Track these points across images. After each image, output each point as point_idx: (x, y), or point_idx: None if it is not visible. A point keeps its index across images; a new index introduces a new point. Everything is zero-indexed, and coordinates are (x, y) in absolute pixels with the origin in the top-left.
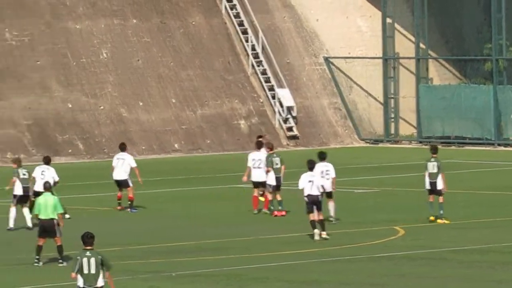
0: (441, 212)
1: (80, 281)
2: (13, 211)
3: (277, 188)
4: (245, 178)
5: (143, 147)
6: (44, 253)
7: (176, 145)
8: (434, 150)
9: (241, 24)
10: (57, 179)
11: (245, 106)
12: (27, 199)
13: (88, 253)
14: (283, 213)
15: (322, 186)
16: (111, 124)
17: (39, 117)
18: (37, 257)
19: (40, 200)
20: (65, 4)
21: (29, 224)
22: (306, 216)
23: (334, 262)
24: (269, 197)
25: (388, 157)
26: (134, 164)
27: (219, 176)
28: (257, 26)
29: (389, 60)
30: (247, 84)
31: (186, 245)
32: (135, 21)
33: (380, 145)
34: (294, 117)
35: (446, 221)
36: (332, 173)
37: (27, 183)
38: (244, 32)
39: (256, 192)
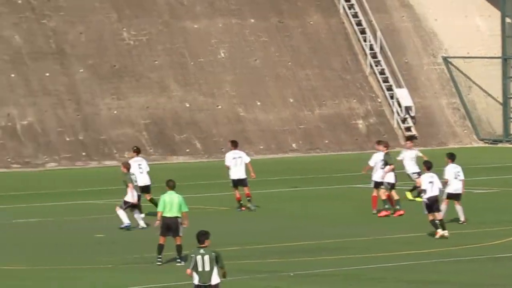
0: None
1: (196, 279)
2: (121, 211)
3: (392, 187)
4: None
5: (261, 147)
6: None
7: (293, 145)
8: None
9: (359, 23)
10: (148, 169)
11: (363, 106)
12: (137, 206)
13: (202, 251)
14: (401, 212)
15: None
16: (229, 124)
17: (157, 117)
18: (159, 256)
19: (165, 198)
20: (183, 3)
21: (143, 224)
22: (426, 216)
23: (455, 263)
24: (396, 196)
25: (508, 157)
26: (248, 159)
27: (337, 176)
28: (375, 25)
29: (509, 59)
30: (365, 84)
31: (304, 245)
32: (253, 20)
33: (499, 145)
34: (412, 117)
35: None
36: (462, 175)
37: (139, 190)
38: (362, 31)
39: (375, 192)
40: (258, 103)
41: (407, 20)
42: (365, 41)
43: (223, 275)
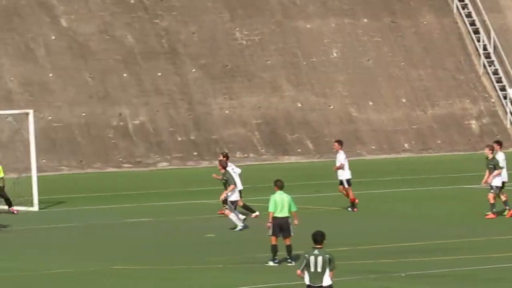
0: None
1: (306, 279)
2: (232, 215)
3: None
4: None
5: (373, 147)
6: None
7: (406, 145)
8: None
9: (472, 23)
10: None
11: (476, 106)
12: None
13: (316, 252)
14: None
15: None
16: (341, 124)
17: (269, 117)
18: (275, 257)
19: (276, 198)
20: (295, 3)
21: (241, 223)
22: None
23: None
24: (503, 198)
25: None
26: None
27: (450, 177)
28: (489, 25)
29: None
30: (478, 84)
31: (417, 246)
32: (365, 20)
33: None
34: None
35: None
36: None
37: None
38: (476, 31)
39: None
40: (371, 103)
41: None
42: (478, 41)
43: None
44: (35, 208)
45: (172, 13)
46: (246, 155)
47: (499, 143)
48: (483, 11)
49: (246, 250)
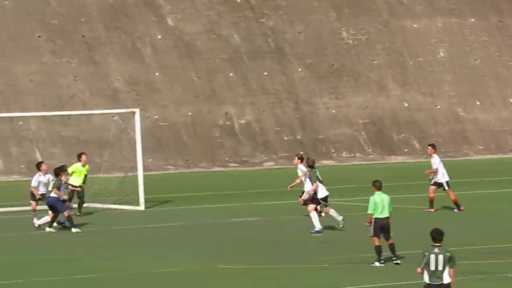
0: None
1: (426, 277)
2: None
3: None
4: None
5: (480, 147)
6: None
7: None
8: None
9: None
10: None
11: None
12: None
13: (436, 250)
14: None
15: None
16: (448, 124)
17: (375, 116)
18: (381, 257)
19: (375, 199)
20: (402, 3)
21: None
22: None
23: None
24: None
25: None
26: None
27: None
28: None
29: None
30: None
31: None
32: (473, 20)
33: None
34: None
35: None
36: None
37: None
38: None
39: None
40: (478, 103)
41: None
42: None
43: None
44: (141, 207)
45: (279, 12)
46: (352, 155)
47: None
48: None
49: (351, 250)
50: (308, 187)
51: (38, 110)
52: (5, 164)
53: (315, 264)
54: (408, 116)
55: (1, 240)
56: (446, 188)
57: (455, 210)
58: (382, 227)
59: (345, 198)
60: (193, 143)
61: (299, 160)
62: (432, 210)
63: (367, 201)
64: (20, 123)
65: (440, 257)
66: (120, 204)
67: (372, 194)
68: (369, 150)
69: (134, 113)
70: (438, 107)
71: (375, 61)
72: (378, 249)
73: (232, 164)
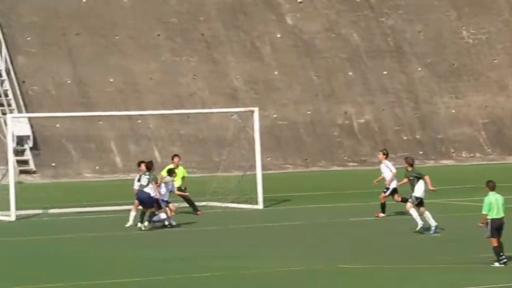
0: None
1: None
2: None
3: None
4: None
5: None
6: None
7: None
8: None
9: None
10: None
11: None
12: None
13: None
14: None
15: None
16: None
17: (495, 116)
18: (500, 258)
19: (490, 199)
20: None
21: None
22: None
23: None
24: None
25: None
26: None
27: None
28: None
29: None
30: None
31: None
32: None
33: None
34: None
35: None
36: None
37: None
38: None
39: None
40: None
41: None
42: None
43: None
44: (260, 206)
45: (398, 11)
46: (472, 155)
47: None
48: None
49: (469, 250)
50: (419, 189)
51: (157, 109)
52: (124, 162)
53: (434, 264)
54: None
55: (119, 238)
56: None
57: None
58: (498, 227)
59: (463, 198)
60: (312, 142)
61: (384, 156)
62: None
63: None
64: (139, 121)
65: None
66: (238, 203)
67: (486, 194)
68: (489, 150)
69: (253, 112)
70: None
71: (495, 61)
72: (496, 250)
73: (351, 164)
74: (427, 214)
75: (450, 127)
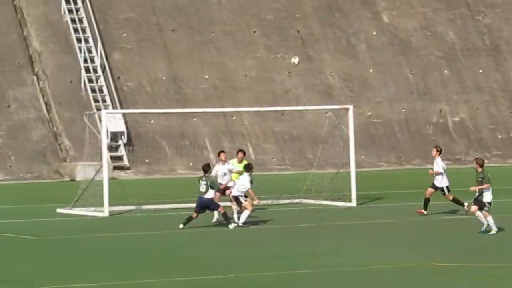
0: None
1: None
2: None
3: None
4: None
5: None
6: None
7: None
8: None
9: None
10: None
11: None
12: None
13: None
14: None
15: None
16: None
17: None
18: None
19: None
20: None
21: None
22: None
23: None
24: None
25: None
26: None
27: None
28: None
29: None
30: None
31: None
32: None
33: None
34: None
35: None
36: None
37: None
38: None
39: None
40: None
41: None
42: None
43: None
44: (353, 203)
45: (495, 10)
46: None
47: None
48: None
49: None
50: (488, 195)
51: (252, 106)
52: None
53: None
54: None
55: (211, 235)
56: None
57: None
58: None
59: None
60: (406, 140)
61: (438, 153)
62: None
63: None
64: (234, 118)
65: None
66: (332, 200)
67: None
68: None
69: (347, 109)
70: None
71: None
72: None
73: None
74: (480, 214)
75: None
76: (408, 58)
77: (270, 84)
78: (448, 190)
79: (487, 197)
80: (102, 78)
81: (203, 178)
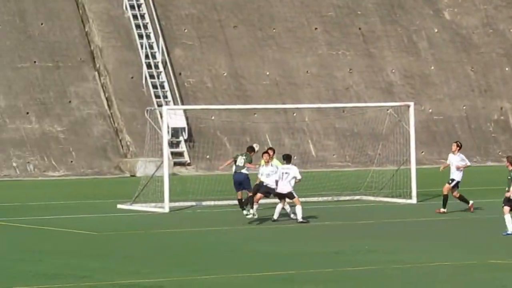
0: None
1: None
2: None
3: None
4: None
5: None
6: None
7: None
8: None
9: None
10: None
11: None
12: None
13: None
14: None
15: None
16: None
17: None
18: None
19: None
20: None
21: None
22: None
23: None
24: None
25: None
26: None
27: None
28: None
29: None
30: None
31: None
32: None
33: None
34: None
35: None
36: None
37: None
38: None
39: None
40: None
41: None
42: None
43: None
44: (413, 200)
45: None
46: None
47: None
48: None
49: None
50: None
51: (313, 102)
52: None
53: None
54: None
55: (268, 231)
56: None
57: None
58: None
59: None
60: (466, 137)
61: (458, 148)
62: None
63: None
64: (295, 114)
65: None
66: (392, 197)
67: None
68: None
69: (408, 106)
70: None
71: None
72: None
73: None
74: (508, 218)
75: None
76: (470, 55)
77: (331, 80)
78: (457, 187)
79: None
80: (163, 74)
81: (242, 154)
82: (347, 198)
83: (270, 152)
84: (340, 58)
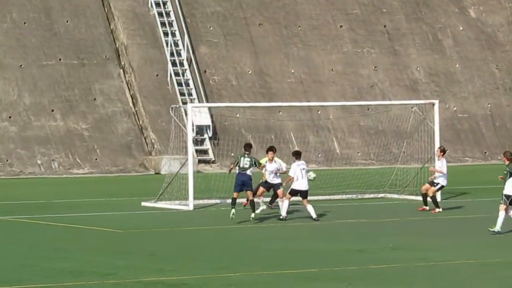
0: None
1: None
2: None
3: None
4: None
5: None
6: None
7: None
8: None
9: None
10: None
11: None
12: None
13: None
14: None
15: None
16: None
17: None
18: None
19: None
20: None
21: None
22: None
23: None
24: None
25: None
26: None
27: None
28: None
29: None
30: None
31: None
32: None
33: None
34: None
35: None
36: None
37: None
38: None
39: None
40: None
41: None
42: None
43: None
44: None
45: None
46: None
47: None
48: None
49: None
50: (508, 187)
51: (338, 100)
52: (303, 153)
53: None
54: None
55: (292, 229)
56: None
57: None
58: None
59: None
60: (491, 136)
61: (442, 153)
62: None
63: None
64: (319, 112)
65: None
66: (416, 195)
67: None
68: None
69: (433, 104)
70: None
71: None
72: None
73: None
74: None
75: None
76: (495, 53)
77: (356, 78)
78: (439, 189)
79: (508, 190)
80: (188, 71)
81: (246, 155)
82: (371, 196)
83: (271, 153)
84: (365, 55)
